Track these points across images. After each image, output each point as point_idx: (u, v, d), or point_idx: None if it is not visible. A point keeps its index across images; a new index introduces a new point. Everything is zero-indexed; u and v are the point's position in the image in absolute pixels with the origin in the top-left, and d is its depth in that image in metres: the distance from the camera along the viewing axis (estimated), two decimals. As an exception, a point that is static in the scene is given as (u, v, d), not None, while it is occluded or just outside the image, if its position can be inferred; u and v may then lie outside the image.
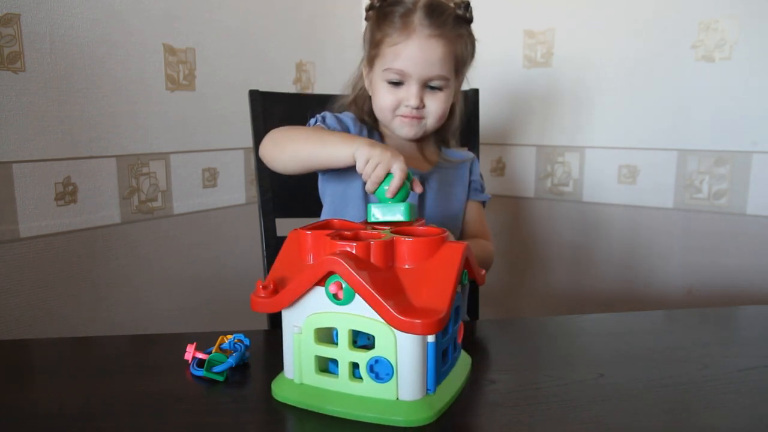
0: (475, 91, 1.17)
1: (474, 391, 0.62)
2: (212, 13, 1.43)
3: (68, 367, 0.69)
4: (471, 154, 1.04)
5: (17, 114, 1.10)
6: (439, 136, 1.00)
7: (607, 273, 1.60)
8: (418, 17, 0.86)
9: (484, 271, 0.66)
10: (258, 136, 1.08)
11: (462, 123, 1.02)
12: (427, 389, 0.57)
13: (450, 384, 0.60)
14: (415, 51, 0.86)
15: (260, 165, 1.08)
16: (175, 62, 1.36)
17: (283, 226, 1.05)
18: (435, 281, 0.55)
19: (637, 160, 1.52)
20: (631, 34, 1.48)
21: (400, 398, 0.56)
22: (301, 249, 0.60)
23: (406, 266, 0.58)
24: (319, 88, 1.74)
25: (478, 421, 0.57)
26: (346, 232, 0.60)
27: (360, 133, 0.94)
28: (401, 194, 0.69)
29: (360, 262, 0.55)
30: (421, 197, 0.94)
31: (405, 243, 0.58)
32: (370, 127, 0.98)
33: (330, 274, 0.55)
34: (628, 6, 1.48)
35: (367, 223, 0.67)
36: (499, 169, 1.71)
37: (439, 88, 0.90)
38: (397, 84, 0.89)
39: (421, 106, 0.89)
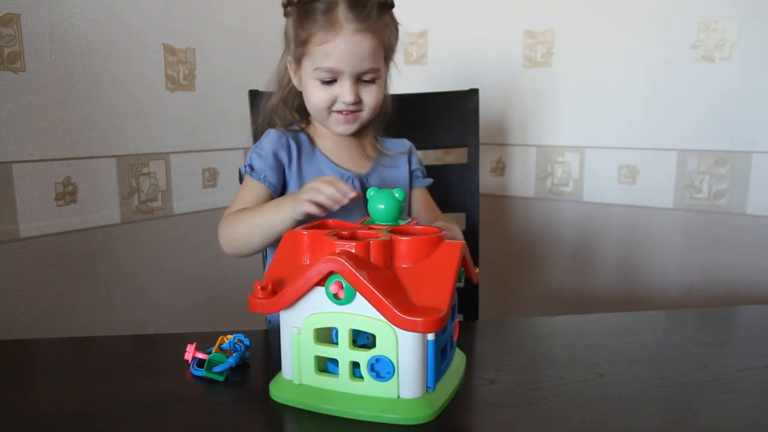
0: (475, 91, 1.17)
1: (474, 390, 0.62)
2: (212, 13, 1.43)
3: (68, 367, 0.69)
4: (408, 144, 1.03)
5: (17, 114, 1.10)
6: (374, 125, 0.98)
7: (607, 273, 1.60)
8: (342, 12, 0.83)
9: (477, 269, 0.66)
10: (258, 137, 1.08)
11: (391, 111, 1.00)
12: (427, 387, 0.57)
13: (448, 382, 0.60)
14: (344, 48, 0.84)
15: (260, 165, 1.08)
16: (175, 62, 1.36)
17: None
18: (434, 280, 0.56)
19: (637, 160, 1.52)
20: (631, 34, 1.48)
21: (401, 396, 0.56)
22: (298, 249, 0.60)
23: (404, 265, 0.58)
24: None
25: (478, 421, 0.58)
26: (343, 232, 0.60)
27: (287, 146, 0.92)
28: (396, 213, 0.68)
29: (360, 262, 0.55)
30: (364, 200, 0.93)
31: (403, 242, 0.58)
32: (296, 132, 0.95)
33: (330, 273, 0.55)
34: (628, 6, 1.48)
35: (362, 223, 0.67)
36: (499, 169, 1.71)
37: (372, 81, 0.89)
38: (329, 82, 0.87)
39: (357, 100, 0.88)
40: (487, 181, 1.72)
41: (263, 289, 0.57)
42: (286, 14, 0.91)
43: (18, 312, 1.13)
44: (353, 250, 0.55)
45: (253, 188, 0.90)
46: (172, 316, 1.40)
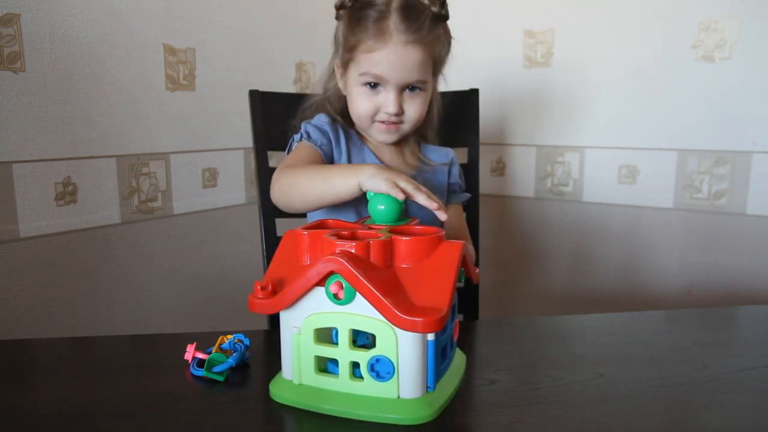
0: (475, 91, 1.17)
1: (474, 390, 0.62)
2: (212, 13, 1.43)
3: (68, 367, 0.70)
4: (451, 155, 1.02)
5: (17, 114, 1.10)
6: (418, 133, 0.98)
7: (607, 273, 1.60)
8: (393, 22, 0.81)
9: (477, 269, 0.66)
10: (258, 136, 1.08)
11: (440, 120, 1.00)
12: (427, 387, 0.57)
13: (448, 382, 0.60)
14: (392, 58, 0.82)
15: (260, 165, 1.08)
16: (175, 62, 1.36)
17: (283, 226, 1.05)
18: (434, 280, 0.56)
19: (637, 160, 1.52)
20: (631, 34, 1.48)
21: (401, 396, 0.56)
22: (298, 249, 0.60)
23: (404, 265, 0.58)
24: (319, 89, 1.73)
25: (477, 421, 0.58)
26: (343, 232, 0.60)
27: (337, 135, 0.92)
28: (396, 214, 0.68)
29: (360, 262, 0.55)
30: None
31: (403, 242, 0.58)
32: (345, 127, 0.95)
33: (330, 273, 0.55)
34: (628, 6, 1.48)
35: (362, 223, 0.67)
36: (499, 169, 1.71)
37: (418, 91, 0.87)
38: (374, 87, 0.86)
39: (400, 112, 0.87)
40: (487, 181, 1.72)
41: (263, 289, 0.57)
42: (337, 17, 0.90)
43: (18, 312, 1.13)
44: (353, 250, 0.55)
45: (310, 152, 0.88)
46: (172, 316, 1.40)
